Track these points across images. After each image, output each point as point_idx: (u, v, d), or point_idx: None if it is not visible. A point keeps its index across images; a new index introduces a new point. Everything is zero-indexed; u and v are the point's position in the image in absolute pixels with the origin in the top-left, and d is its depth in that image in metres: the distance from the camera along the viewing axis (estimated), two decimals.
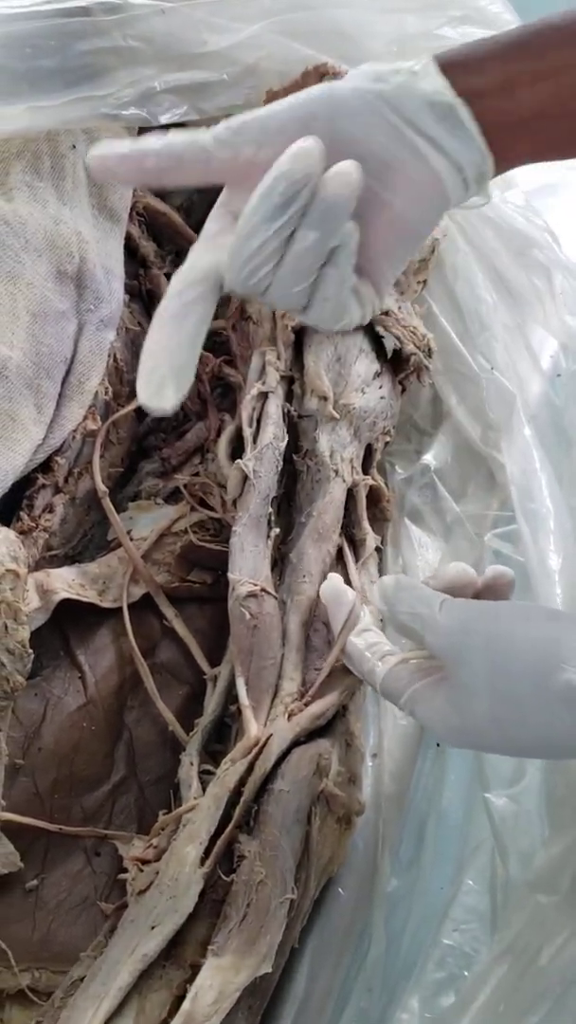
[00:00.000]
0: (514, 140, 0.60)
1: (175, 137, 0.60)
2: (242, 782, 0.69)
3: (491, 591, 0.69)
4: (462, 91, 0.58)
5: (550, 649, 0.58)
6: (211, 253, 0.61)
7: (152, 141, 0.60)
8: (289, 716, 0.72)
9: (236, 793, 0.69)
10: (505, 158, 0.61)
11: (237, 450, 0.89)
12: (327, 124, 0.59)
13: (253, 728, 0.71)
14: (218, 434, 0.90)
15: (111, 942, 0.65)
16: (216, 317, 0.90)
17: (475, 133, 0.59)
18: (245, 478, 0.81)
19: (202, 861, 0.66)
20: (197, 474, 0.90)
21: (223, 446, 0.87)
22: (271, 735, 0.71)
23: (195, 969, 0.62)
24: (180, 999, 0.60)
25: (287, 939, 0.66)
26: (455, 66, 0.59)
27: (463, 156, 0.59)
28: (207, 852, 0.67)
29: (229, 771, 0.69)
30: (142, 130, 0.96)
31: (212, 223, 0.64)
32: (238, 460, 0.82)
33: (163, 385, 0.59)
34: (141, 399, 0.59)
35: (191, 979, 0.61)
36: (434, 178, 0.60)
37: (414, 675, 0.67)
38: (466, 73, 0.59)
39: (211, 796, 0.69)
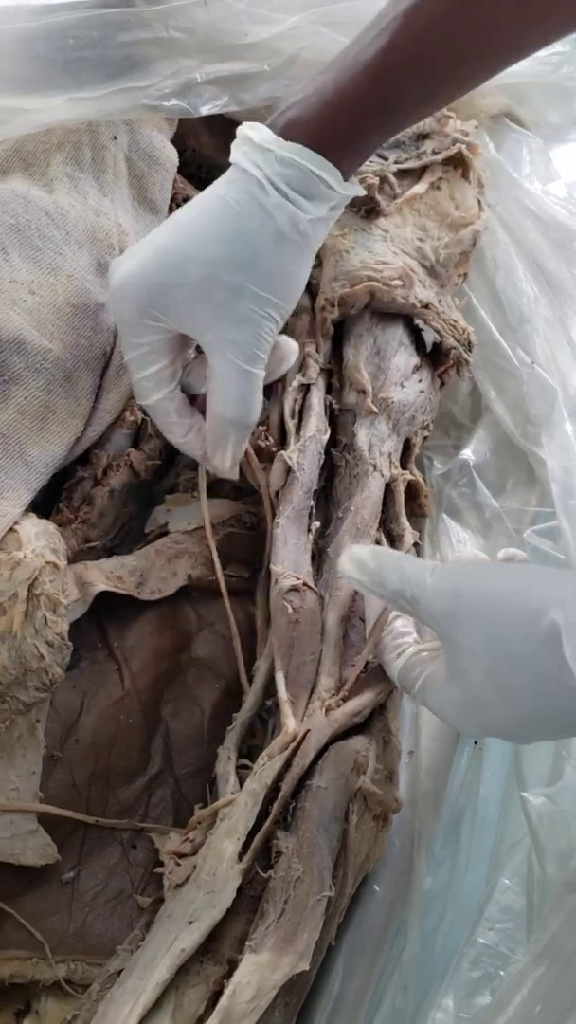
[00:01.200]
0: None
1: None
2: (279, 778, 0.69)
3: None
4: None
5: (538, 596, 0.59)
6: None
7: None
8: (327, 711, 0.72)
9: (274, 789, 0.69)
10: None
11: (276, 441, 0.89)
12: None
13: (291, 723, 0.71)
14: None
15: (148, 936, 0.65)
16: None
17: (343, 193, 0.72)
18: (288, 470, 0.81)
19: (239, 857, 0.66)
20: None
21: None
22: (308, 731, 0.70)
23: (232, 965, 0.62)
24: (217, 995, 0.60)
25: (324, 937, 0.66)
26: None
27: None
28: (245, 848, 0.67)
29: (266, 766, 0.69)
30: (183, 121, 0.96)
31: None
32: (281, 452, 0.82)
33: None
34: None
35: (228, 975, 0.61)
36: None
37: (426, 664, 0.69)
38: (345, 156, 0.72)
39: (249, 792, 0.68)
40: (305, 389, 0.86)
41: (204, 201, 0.72)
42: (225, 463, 0.77)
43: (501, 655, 0.60)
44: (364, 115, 0.71)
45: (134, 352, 0.75)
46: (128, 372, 0.78)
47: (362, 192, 0.75)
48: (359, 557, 0.68)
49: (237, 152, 0.72)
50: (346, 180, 0.72)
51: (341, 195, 0.72)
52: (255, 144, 0.70)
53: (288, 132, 0.70)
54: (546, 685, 0.58)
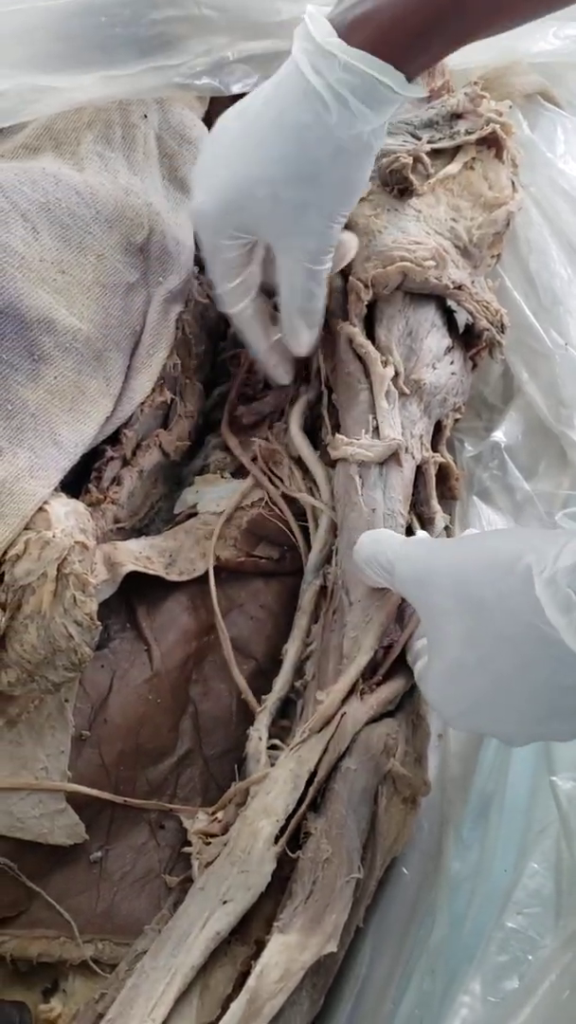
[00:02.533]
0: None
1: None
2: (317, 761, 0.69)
3: None
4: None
5: (510, 548, 0.60)
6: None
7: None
8: (361, 695, 0.72)
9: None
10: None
11: (309, 421, 0.88)
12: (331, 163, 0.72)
13: (329, 699, 0.71)
14: (292, 404, 0.89)
15: (180, 910, 0.65)
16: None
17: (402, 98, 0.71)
18: None
19: (275, 839, 0.66)
20: (267, 439, 0.89)
21: (295, 418, 0.86)
22: (345, 714, 0.70)
23: (260, 945, 0.62)
24: (244, 975, 0.60)
25: (352, 919, 0.66)
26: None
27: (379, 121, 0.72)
28: (281, 831, 0.66)
29: (304, 748, 0.69)
30: (214, 100, 0.95)
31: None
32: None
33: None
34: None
35: (256, 955, 0.61)
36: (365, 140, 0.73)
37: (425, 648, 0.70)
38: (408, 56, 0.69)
39: (290, 772, 0.68)
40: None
41: (265, 114, 0.73)
42: (301, 348, 0.83)
43: (474, 608, 0.60)
44: (434, 17, 0.69)
45: (217, 268, 0.80)
46: (214, 286, 0.82)
47: (425, 92, 0.77)
48: (361, 542, 0.72)
49: (298, 48, 0.71)
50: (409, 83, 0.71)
51: (404, 97, 0.71)
52: (317, 45, 0.69)
53: (353, 33, 0.69)
54: (520, 632, 0.58)
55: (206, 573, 0.83)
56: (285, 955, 0.59)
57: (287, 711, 0.79)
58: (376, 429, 0.81)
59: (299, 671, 0.79)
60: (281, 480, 0.87)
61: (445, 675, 0.64)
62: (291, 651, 0.79)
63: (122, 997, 0.60)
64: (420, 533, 0.77)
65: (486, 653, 0.60)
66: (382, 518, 0.77)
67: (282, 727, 0.78)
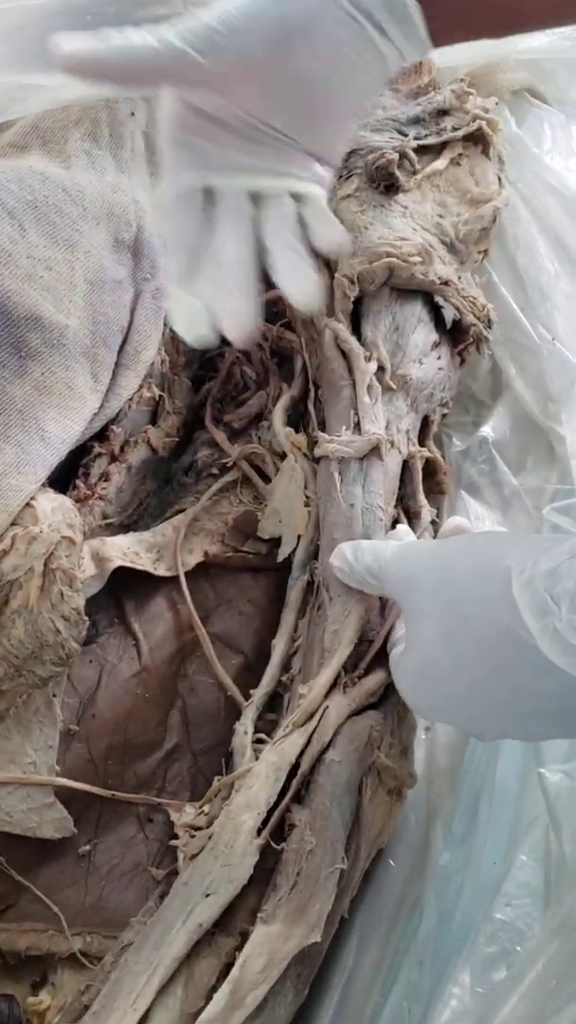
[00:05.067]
0: (451, 27, 0.66)
1: (152, 44, 0.61)
2: (300, 754, 0.69)
3: None
4: None
5: (492, 550, 0.60)
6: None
7: (127, 44, 0.61)
8: (344, 689, 0.72)
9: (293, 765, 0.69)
10: (441, 42, 0.66)
11: (292, 418, 0.88)
12: (304, 33, 0.63)
13: (312, 693, 0.71)
14: (275, 402, 0.89)
15: (164, 904, 0.65)
16: (273, 287, 0.90)
17: (422, 32, 0.64)
18: None
19: (258, 832, 0.66)
20: (250, 441, 0.89)
21: (279, 415, 0.87)
22: (327, 707, 0.70)
23: (244, 936, 0.62)
24: (229, 966, 0.61)
25: (336, 909, 0.66)
26: None
27: (408, 48, 0.65)
28: (263, 823, 0.67)
29: (287, 741, 0.69)
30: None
31: (182, 129, 0.66)
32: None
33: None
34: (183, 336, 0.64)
35: (240, 947, 0.61)
36: (381, 67, 0.65)
37: (401, 641, 0.70)
38: None
39: (270, 766, 0.69)
40: None
41: None
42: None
43: (453, 609, 0.61)
44: None
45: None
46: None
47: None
48: (341, 552, 0.73)
49: None
50: None
51: None
52: None
53: None
54: (497, 634, 0.58)
55: (195, 568, 0.83)
56: (268, 945, 0.60)
57: (275, 705, 0.79)
58: (358, 425, 0.81)
59: (286, 666, 0.79)
60: (268, 478, 0.87)
61: (419, 671, 0.64)
62: (278, 646, 0.80)
63: (106, 989, 0.60)
64: (400, 528, 0.78)
65: (461, 655, 0.61)
66: (361, 513, 0.77)
67: (270, 721, 0.78)
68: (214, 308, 0.64)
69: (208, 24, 0.62)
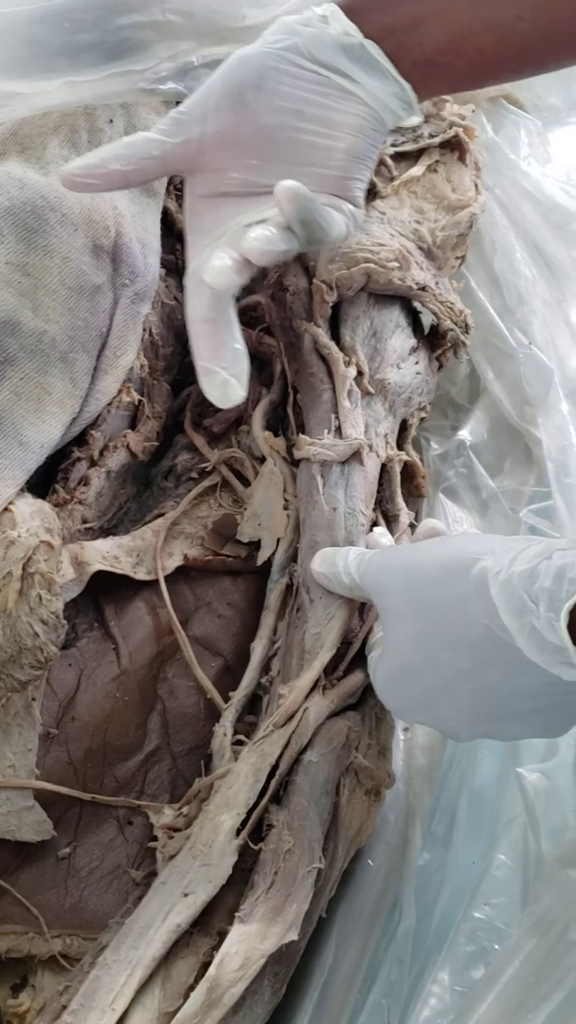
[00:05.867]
0: (427, 73, 0.70)
1: (129, 139, 0.70)
2: (279, 755, 0.70)
3: None
4: (370, 31, 0.67)
5: (467, 552, 0.61)
6: (211, 247, 0.70)
7: (110, 148, 0.70)
8: (323, 691, 0.73)
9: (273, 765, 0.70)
10: (425, 89, 0.70)
11: (272, 422, 0.89)
12: (256, 90, 0.69)
13: (292, 695, 0.71)
14: (255, 407, 0.89)
15: (142, 904, 0.65)
16: (251, 291, 0.90)
17: (388, 67, 0.68)
18: None
19: (236, 832, 0.67)
20: (229, 445, 0.90)
21: (258, 419, 0.87)
22: (307, 709, 0.71)
23: (222, 936, 0.62)
24: (207, 965, 0.61)
25: (314, 908, 0.66)
26: (363, 7, 0.68)
27: (383, 89, 0.69)
28: (242, 824, 0.67)
29: (267, 742, 0.70)
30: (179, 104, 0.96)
31: (193, 216, 0.73)
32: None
33: (227, 386, 0.69)
34: (216, 403, 0.70)
35: (218, 946, 0.62)
36: (366, 110, 0.69)
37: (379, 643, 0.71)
38: (374, 13, 0.68)
39: (251, 767, 0.69)
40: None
41: None
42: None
43: (428, 610, 0.62)
44: None
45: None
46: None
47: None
48: (322, 555, 0.74)
49: None
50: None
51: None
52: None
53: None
54: (473, 634, 0.59)
55: (175, 571, 0.84)
56: (245, 944, 0.60)
57: (254, 707, 0.80)
58: (339, 429, 0.82)
59: (266, 668, 0.79)
60: (248, 481, 0.88)
61: (394, 673, 0.66)
62: (258, 648, 0.80)
63: (84, 989, 0.60)
64: (377, 530, 0.78)
65: (437, 655, 0.62)
66: (343, 517, 0.78)
67: (249, 723, 0.78)
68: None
69: (170, 113, 0.71)
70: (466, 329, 0.93)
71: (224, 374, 0.70)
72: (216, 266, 0.67)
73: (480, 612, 0.59)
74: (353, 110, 0.70)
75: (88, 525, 0.84)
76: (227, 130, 0.69)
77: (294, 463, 0.85)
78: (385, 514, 0.85)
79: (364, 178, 0.73)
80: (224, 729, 0.76)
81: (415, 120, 0.73)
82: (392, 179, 0.93)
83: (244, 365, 0.71)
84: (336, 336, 0.88)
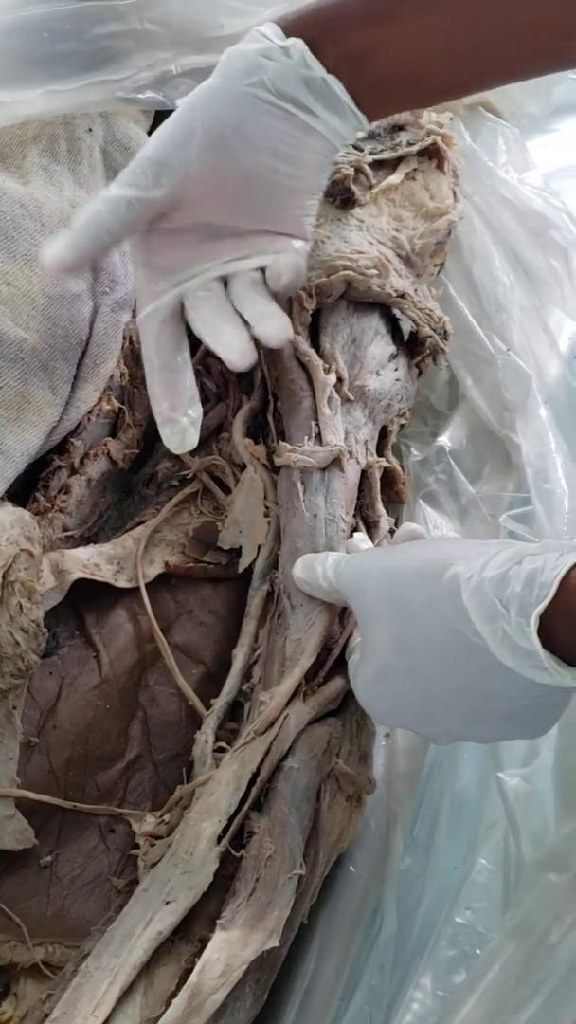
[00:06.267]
0: (381, 99, 0.70)
1: (110, 203, 0.68)
2: (260, 761, 0.70)
3: None
4: (328, 62, 0.67)
5: (439, 557, 0.62)
6: (167, 291, 0.72)
7: (95, 220, 0.68)
8: (304, 697, 0.73)
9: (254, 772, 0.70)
10: (376, 114, 0.71)
11: (252, 430, 0.89)
12: (236, 132, 0.68)
13: (273, 702, 0.72)
14: (235, 414, 0.90)
15: (123, 911, 0.65)
16: None
17: (349, 102, 0.68)
18: None
19: (218, 840, 0.67)
20: (210, 452, 0.90)
21: (238, 426, 0.87)
22: (287, 716, 0.71)
23: (203, 943, 0.62)
24: (189, 972, 0.61)
25: (296, 914, 0.67)
26: (321, 36, 0.67)
27: (343, 125, 0.69)
28: (223, 831, 0.67)
29: (248, 749, 0.70)
30: (159, 114, 0.96)
31: (147, 250, 0.73)
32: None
33: (186, 433, 0.73)
34: (174, 450, 0.74)
35: (199, 953, 0.62)
36: (327, 146, 0.70)
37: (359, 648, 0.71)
38: (331, 43, 0.67)
39: (232, 774, 0.69)
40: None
41: None
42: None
43: (403, 614, 0.63)
44: None
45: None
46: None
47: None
48: (303, 561, 0.75)
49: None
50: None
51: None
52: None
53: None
54: (447, 639, 0.60)
55: (156, 579, 0.84)
56: (227, 951, 0.60)
57: (236, 714, 0.80)
58: (319, 435, 0.82)
59: (247, 675, 0.80)
60: (228, 489, 0.88)
61: (374, 677, 0.66)
62: (239, 655, 0.80)
63: (66, 997, 0.60)
64: (357, 536, 0.79)
65: (414, 659, 0.62)
66: (324, 523, 0.78)
67: (231, 730, 0.78)
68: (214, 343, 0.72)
69: (146, 160, 0.68)
70: (445, 336, 0.93)
71: (185, 421, 0.73)
72: (235, 347, 0.72)
73: (453, 617, 0.59)
74: (316, 147, 0.70)
75: (69, 533, 0.84)
76: (209, 175, 0.69)
77: (275, 470, 0.85)
78: (365, 520, 0.85)
79: (315, 207, 0.74)
80: (205, 736, 0.76)
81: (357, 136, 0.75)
82: (371, 187, 0.94)
83: (200, 410, 0.75)
84: (316, 343, 0.89)
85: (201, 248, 0.72)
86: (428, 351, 0.93)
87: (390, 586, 0.64)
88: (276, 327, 0.73)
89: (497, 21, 0.66)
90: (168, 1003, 0.59)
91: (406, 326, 0.94)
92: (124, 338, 0.89)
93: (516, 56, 0.69)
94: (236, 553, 0.86)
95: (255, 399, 0.89)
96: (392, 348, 0.91)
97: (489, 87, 0.78)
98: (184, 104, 0.69)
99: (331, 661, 0.75)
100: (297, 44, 0.67)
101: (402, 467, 0.92)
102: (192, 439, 0.73)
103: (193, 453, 0.91)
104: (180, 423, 0.73)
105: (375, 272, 0.88)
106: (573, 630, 0.55)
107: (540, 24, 0.66)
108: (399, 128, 0.98)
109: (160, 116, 0.97)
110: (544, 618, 0.55)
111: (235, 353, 0.72)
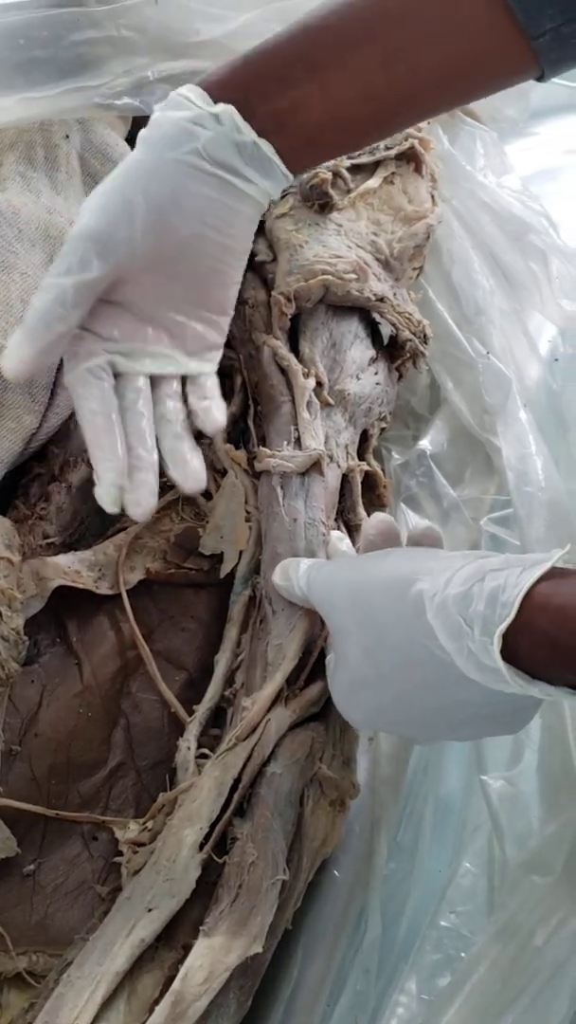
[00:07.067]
0: (307, 151, 0.70)
1: (55, 293, 0.65)
2: (242, 767, 0.70)
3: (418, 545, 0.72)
4: (256, 124, 0.66)
5: (404, 572, 0.63)
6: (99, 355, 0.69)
7: (46, 317, 0.65)
8: (286, 701, 0.73)
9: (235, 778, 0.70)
10: (302, 166, 0.71)
11: (233, 435, 0.89)
12: (174, 204, 0.67)
13: (255, 707, 0.71)
14: None
15: (106, 919, 0.65)
16: None
17: (279, 164, 0.68)
18: None
19: (200, 847, 0.67)
20: None
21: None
22: (269, 720, 0.71)
23: (187, 950, 0.62)
24: (172, 979, 0.61)
25: (279, 920, 0.66)
26: (246, 97, 0.66)
27: (273, 187, 0.69)
28: (205, 838, 0.67)
29: (230, 755, 0.70)
30: (136, 120, 0.96)
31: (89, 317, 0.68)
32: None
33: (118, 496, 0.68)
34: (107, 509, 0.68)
35: (182, 960, 0.61)
36: (257, 208, 0.70)
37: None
38: (257, 103, 0.66)
39: (214, 780, 0.69)
40: None
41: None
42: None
43: (372, 628, 0.64)
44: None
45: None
46: None
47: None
48: (283, 566, 0.75)
49: None
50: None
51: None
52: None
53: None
54: (415, 653, 0.61)
55: (137, 585, 0.84)
56: (210, 957, 0.60)
57: (219, 720, 0.80)
58: (298, 440, 0.82)
59: (230, 680, 0.79)
60: (209, 494, 0.88)
61: (348, 686, 0.67)
62: (221, 661, 0.80)
63: (48, 1006, 0.60)
64: (335, 534, 0.79)
65: (385, 670, 0.64)
66: (304, 527, 0.78)
67: (214, 736, 0.78)
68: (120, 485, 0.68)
69: (87, 237, 0.65)
70: (425, 339, 0.94)
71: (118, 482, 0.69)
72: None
73: (420, 633, 0.60)
74: (248, 211, 0.69)
75: (49, 540, 0.84)
76: (151, 250, 0.67)
77: (255, 475, 0.85)
78: (347, 524, 0.85)
79: (239, 279, 0.72)
80: (188, 743, 0.76)
81: None
82: (349, 191, 0.94)
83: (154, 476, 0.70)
84: (295, 348, 0.89)
85: (139, 328, 0.70)
86: (408, 355, 0.93)
87: (356, 602, 0.65)
88: (186, 474, 0.71)
89: (410, 59, 0.66)
90: (151, 1010, 0.59)
91: (386, 330, 0.94)
92: None
93: (434, 89, 0.69)
94: (218, 559, 0.85)
95: (235, 404, 0.89)
96: (372, 352, 0.91)
97: (415, 123, 0.81)
98: (116, 175, 0.67)
99: (310, 664, 0.74)
100: (228, 110, 0.66)
101: (383, 471, 0.92)
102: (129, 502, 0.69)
103: None
104: (114, 484, 0.68)
105: (354, 276, 0.88)
106: (536, 646, 0.56)
107: (448, 59, 0.67)
108: None
109: (137, 122, 0.97)
110: (507, 636, 0.56)
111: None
